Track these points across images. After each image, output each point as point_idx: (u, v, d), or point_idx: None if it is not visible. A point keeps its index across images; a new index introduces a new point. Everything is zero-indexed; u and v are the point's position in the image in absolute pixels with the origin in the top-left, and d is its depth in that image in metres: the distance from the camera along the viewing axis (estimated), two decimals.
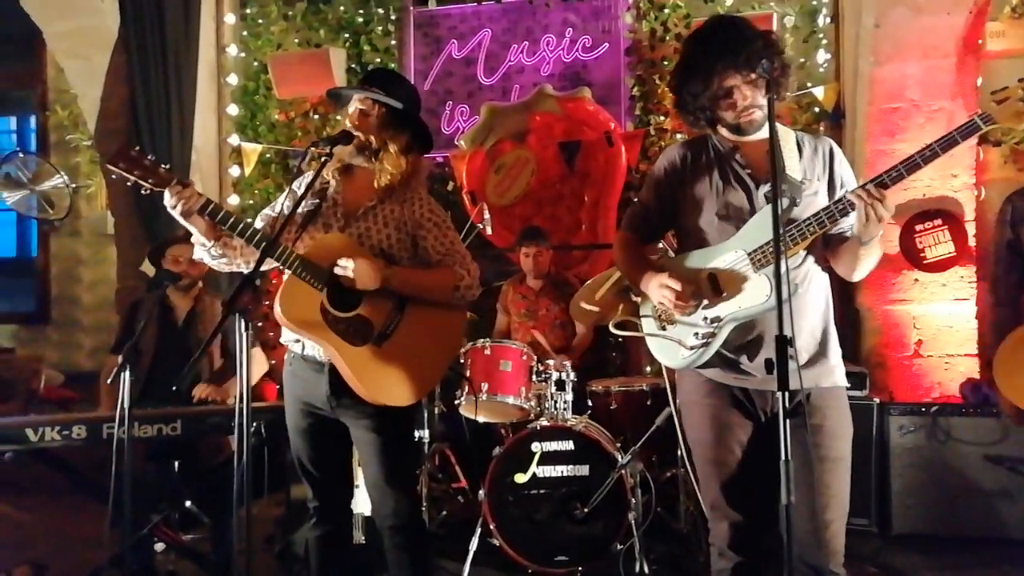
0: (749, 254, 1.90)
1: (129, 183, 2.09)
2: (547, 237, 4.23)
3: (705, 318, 1.96)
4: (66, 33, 4.96)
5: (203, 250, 2.23)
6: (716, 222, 1.97)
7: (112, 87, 4.87)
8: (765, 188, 1.93)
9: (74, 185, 5.50)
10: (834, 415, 1.95)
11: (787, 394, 1.57)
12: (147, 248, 4.69)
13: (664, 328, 2.05)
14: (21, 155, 5.52)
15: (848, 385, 2.02)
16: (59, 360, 5.57)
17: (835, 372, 1.99)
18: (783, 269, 1.63)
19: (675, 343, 2.01)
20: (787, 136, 1.99)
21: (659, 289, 1.97)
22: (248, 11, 5.43)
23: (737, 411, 1.98)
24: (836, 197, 1.94)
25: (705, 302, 1.96)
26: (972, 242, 4.08)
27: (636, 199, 2.30)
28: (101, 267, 5.66)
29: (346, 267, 2.11)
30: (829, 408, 1.95)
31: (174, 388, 2.78)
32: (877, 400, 3.71)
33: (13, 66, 6.12)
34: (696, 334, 1.97)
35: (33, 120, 6.07)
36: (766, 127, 1.91)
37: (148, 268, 4.27)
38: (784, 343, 1.59)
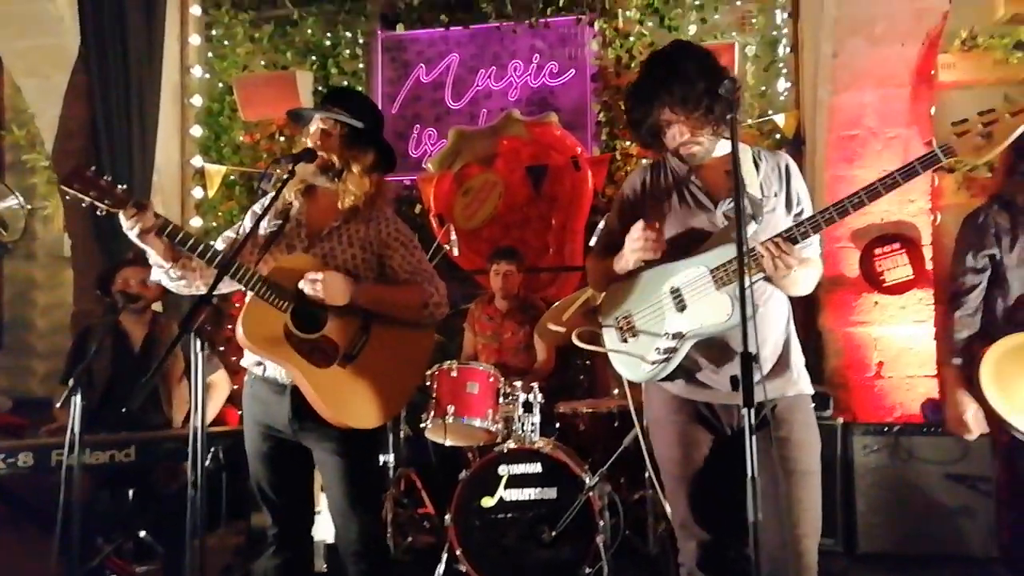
0: (711, 271, 1.92)
1: (84, 204, 2.03)
2: (521, 258, 4.23)
3: (667, 333, 1.97)
4: (24, 51, 4.86)
5: (161, 272, 2.17)
6: (677, 243, 1.99)
7: (71, 106, 4.78)
8: (724, 206, 1.97)
9: (29, 207, 5.36)
10: (800, 428, 1.95)
11: (752, 410, 1.56)
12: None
13: (626, 341, 2.06)
14: None
15: (812, 392, 2.03)
16: (10, 386, 5.37)
17: (800, 381, 2.00)
18: (747, 285, 1.63)
19: (637, 358, 2.02)
20: (744, 153, 2.01)
21: (632, 242, 1.95)
22: (214, 32, 5.39)
23: (703, 427, 1.99)
24: (792, 212, 2.00)
25: (667, 317, 1.97)
26: (929, 265, 4.17)
27: (604, 223, 2.32)
28: (57, 291, 5.50)
29: (315, 279, 2.07)
30: (796, 420, 1.95)
31: (123, 410, 2.69)
32: (841, 420, 3.75)
33: None
34: (658, 348, 1.98)
35: None
36: (719, 147, 2.01)
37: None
38: (749, 359, 1.59)
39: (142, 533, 3.15)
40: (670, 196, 2.04)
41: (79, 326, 4.86)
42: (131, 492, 3.16)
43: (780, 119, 4.53)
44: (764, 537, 1.55)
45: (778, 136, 4.64)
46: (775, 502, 1.83)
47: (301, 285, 2.09)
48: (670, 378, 2.00)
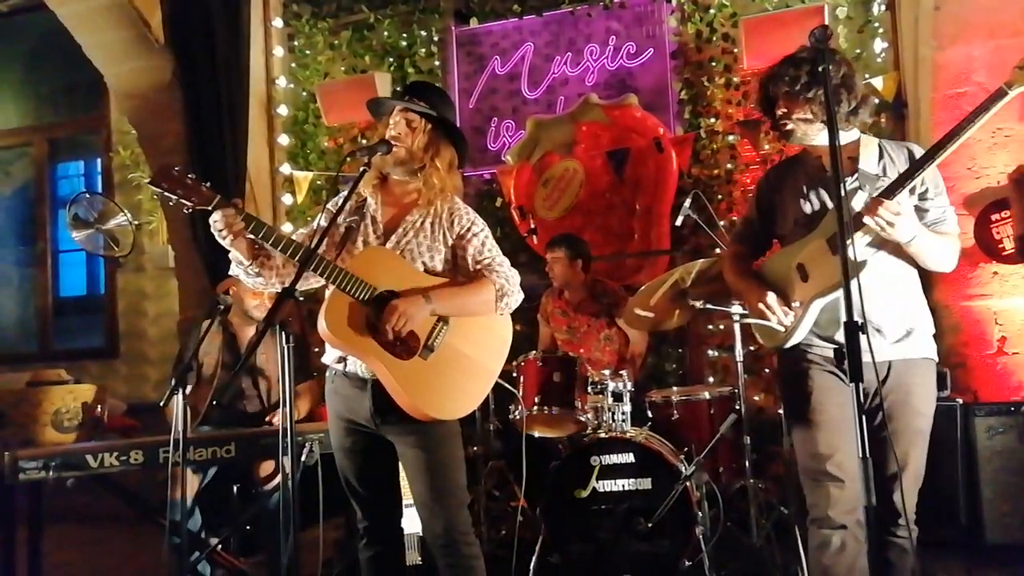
0: (828, 240, 2.07)
1: (172, 203, 2.09)
2: (576, 246, 4.01)
3: (795, 302, 2.15)
4: (125, 74, 5.15)
5: (240, 269, 2.21)
6: (803, 223, 2.17)
7: (168, 124, 5.03)
8: (845, 184, 2.06)
9: (137, 222, 5.68)
10: (920, 390, 2.10)
11: (859, 385, 1.58)
12: (206, 280, 4.83)
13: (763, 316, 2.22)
14: (88, 196, 5.73)
15: (936, 359, 2.17)
16: (128, 393, 5.71)
17: (920, 344, 2.13)
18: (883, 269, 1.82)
19: (772, 327, 2.19)
20: (869, 142, 2.19)
21: (758, 308, 2.19)
22: (296, 43, 5.55)
23: (837, 379, 2.10)
24: (917, 193, 2.11)
25: (796, 288, 2.15)
26: None
27: (747, 214, 2.50)
28: (164, 300, 5.81)
29: (396, 322, 2.05)
30: (915, 383, 2.09)
31: (214, 403, 2.78)
32: (960, 401, 3.47)
33: (80, 113, 6.44)
34: (789, 316, 2.14)
35: (99, 162, 6.32)
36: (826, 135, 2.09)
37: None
38: (855, 332, 1.60)
39: (247, 527, 3.26)
40: (796, 180, 2.21)
41: (186, 333, 5.12)
42: (235, 488, 3.28)
43: (878, 82, 4.23)
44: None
45: (877, 101, 4.33)
46: (884, 462, 1.98)
47: (385, 322, 2.06)
48: (804, 341, 2.15)
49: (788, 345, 2.18)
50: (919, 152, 2.13)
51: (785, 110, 2.14)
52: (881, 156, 2.15)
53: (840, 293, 1.93)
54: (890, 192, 1.96)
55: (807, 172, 2.21)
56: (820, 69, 1.75)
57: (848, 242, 1.69)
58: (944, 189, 2.16)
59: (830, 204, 2.11)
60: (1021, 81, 1.95)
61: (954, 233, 2.14)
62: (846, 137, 2.13)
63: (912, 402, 2.09)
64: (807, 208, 2.17)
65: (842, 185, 1.72)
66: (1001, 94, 1.93)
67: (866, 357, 1.81)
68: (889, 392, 2.06)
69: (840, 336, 1.96)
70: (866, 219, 1.95)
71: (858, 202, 2.04)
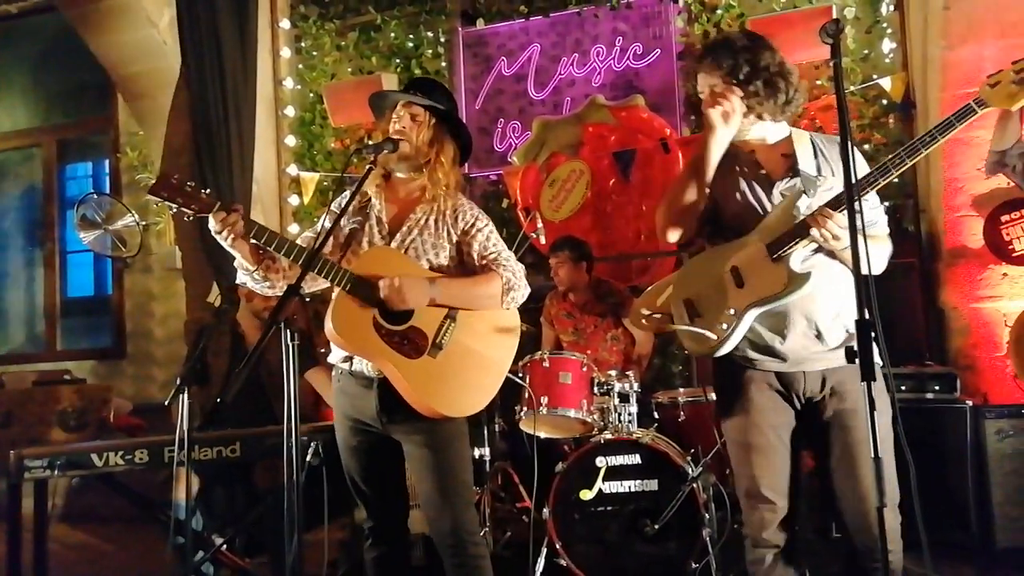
0: (767, 246, 1.98)
1: (172, 211, 2.09)
2: (578, 249, 3.99)
3: (729, 308, 2.03)
4: (133, 76, 5.17)
5: (246, 275, 2.21)
6: (737, 218, 2.06)
7: (175, 125, 5.03)
8: (781, 186, 2.03)
9: (144, 223, 5.68)
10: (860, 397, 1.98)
11: (868, 384, 1.55)
12: (213, 281, 4.84)
13: (692, 320, 2.13)
14: (95, 196, 5.74)
15: (881, 363, 1.98)
16: (134, 393, 5.73)
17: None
18: (864, 269, 1.61)
19: (703, 334, 2.08)
20: (801, 137, 2.08)
21: (710, 109, 1.98)
22: (303, 44, 5.56)
23: (771, 394, 2.04)
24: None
25: (729, 294, 2.04)
26: None
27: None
28: (171, 301, 5.83)
29: (392, 284, 2.05)
30: (854, 390, 1.97)
31: (219, 400, 2.78)
32: (970, 403, 3.43)
33: (88, 114, 6.46)
34: (722, 324, 2.03)
35: (107, 163, 6.34)
36: (775, 131, 2.08)
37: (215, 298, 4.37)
38: (866, 329, 1.57)
39: (251, 528, 3.25)
40: (732, 174, 2.08)
41: (192, 334, 5.12)
42: (240, 487, 3.27)
43: (886, 83, 4.22)
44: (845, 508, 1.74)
45: (885, 102, 4.34)
46: (849, 473, 1.94)
47: (381, 290, 2.06)
48: (737, 350, 2.04)
49: (720, 354, 2.05)
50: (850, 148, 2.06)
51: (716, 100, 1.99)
52: (816, 154, 2.05)
53: (778, 303, 1.94)
54: (838, 203, 1.86)
55: (740, 167, 2.08)
56: (832, 64, 1.69)
57: (859, 237, 1.62)
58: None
59: (768, 204, 2.02)
60: (992, 100, 1.86)
61: (884, 235, 2.08)
62: (778, 132, 2.08)
63: (860, 410, 1.95)
64: (744, 202, 2.05)
65: (845, 176, 1.66)
66: (968, 111, 1.85)
67: (817, 365, 1.93)
68: (839, 401, 1.97)
69: (782, 348, 1.98)
70: (813, 231, 1.87)
71: (801, 206, 1.94)
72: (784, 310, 1.98)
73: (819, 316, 1.96)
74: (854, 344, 1.69)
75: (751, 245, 2.01)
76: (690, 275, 2.20)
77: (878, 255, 2.01)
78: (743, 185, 2.06)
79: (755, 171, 2.07)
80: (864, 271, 1.59)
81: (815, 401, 2.02)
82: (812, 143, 2.07)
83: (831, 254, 1.98)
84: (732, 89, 1.98)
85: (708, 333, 2.05)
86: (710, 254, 2.14)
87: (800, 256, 1.94)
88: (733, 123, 1.99)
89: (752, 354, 2.04)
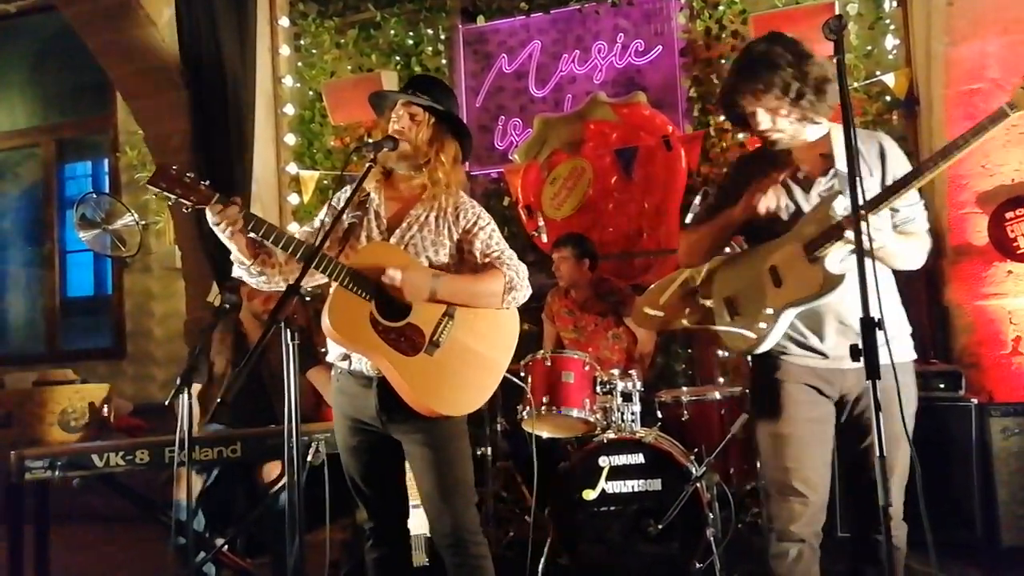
0: (805, 246, 1.99)
1: (170, 202, 2.06)
2: (582, 245, 3.98)
3: (767, 308, 2.07)
4: (132, 74, 5.14)
5: (242, 269, 2.19)
6: (776, 222, 2.07)
7: (174, 124, 5.02)
8: (820, 187, 2.04)
9: (143, 222, 5.67)
10: (903, 392, 2.00)
11: (874, 381, 1.58)
12: (213, 280, 4.82)
13: (732, 319, 2.18)
14: (95, 196, 5.73)
15: (915, 357, 2.11)
16: (134, 393, 5.71)
17: (900, 346, 2.05)
18: (868, 269, 1.63)
19: (742, 332, 2.13)
20: (839, 134, 2.04)
21: (756, 202, 2.03)
22: (302, 42, 5.53)
23: (808, 389, 2.07)
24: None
25: (767, 294, 2.07)
26: None
27: (700, 199, 2.45)
28: (171, 301, 5.80)
29: (394, 278, 2.04)
30: (902, 384, 1.96)
31: (219, 400, 2.76)
32: (975, 401, 3.41)
33: (88, 113, 6.44)
34: (760, 323, 2.08)
35: (106, 163, 6.33)
36: (811, 131, 2.08)
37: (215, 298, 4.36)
38: (871, 327, 1.58)
39: (253, 528, 3.24)
40: (771, 174, 2.08)
41: (192, 334, 5.11)
42: (241, 488, 3.26)
43: (889, 79, 4.20)
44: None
45: (888, 98, 4.31)
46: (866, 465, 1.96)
47: (383, 279, 2.05)
48: (778, 346, 2.08)
49: (758, 352, 2.11)
50: (887, 141, 2.07)
51: (770, 120, 2.03)
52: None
53: (814, 304, 1.99)
54: (873, 206, 1.88)
55: (778, 167, 2.10)
56: (836, 60, 1.70)
57: (863, 233, 1.65)
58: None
59: (805, 205, 2.05)
60: (1022, 103, 1.86)
61: (923, 231, 2.09)
62: (817, 130, 2.08)
63: (896, 405, 2.04)
64: (779, 206, 2.06)
65: (856, 186, 1.68)
66: (1001, 115, 1.85)
67: (853, 363, 1.76)
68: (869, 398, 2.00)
69: (822, 346, 2.03)
70: (848, 233, 1.86)
71: (838, 207, 1.94)
72: (819, 309, 2.02)
73: (848, 315, 1.97)
74: (893, 339, 1.74)
75: (789, 245, 2.04)
76: (731, 273, 2.22)
77: (916, 253, 2.05)
78: (780, 187, 2.07)
79: (792, 172, 2.08)
80: (867, 267, 1.60)
81: (849, 398, 2.05)
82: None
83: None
84: (778, 186, 2.03)
85: (747, 333, 2.10)
86: (750, 253, 2.18)
87: (837, 256, 1.95)
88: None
89: (793, 349, 2.08)
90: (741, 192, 2.11)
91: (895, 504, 2.04)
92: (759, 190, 2.03)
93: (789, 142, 2.08)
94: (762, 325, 2.06)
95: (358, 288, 2.06)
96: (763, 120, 2.04)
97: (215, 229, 2.06)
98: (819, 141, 2.08)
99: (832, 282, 1.93)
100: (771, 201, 2.02)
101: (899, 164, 2.04)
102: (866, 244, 1.82)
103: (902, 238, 2.01)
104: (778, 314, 2.03)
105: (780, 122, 2.03)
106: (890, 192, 1.90)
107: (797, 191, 2.07)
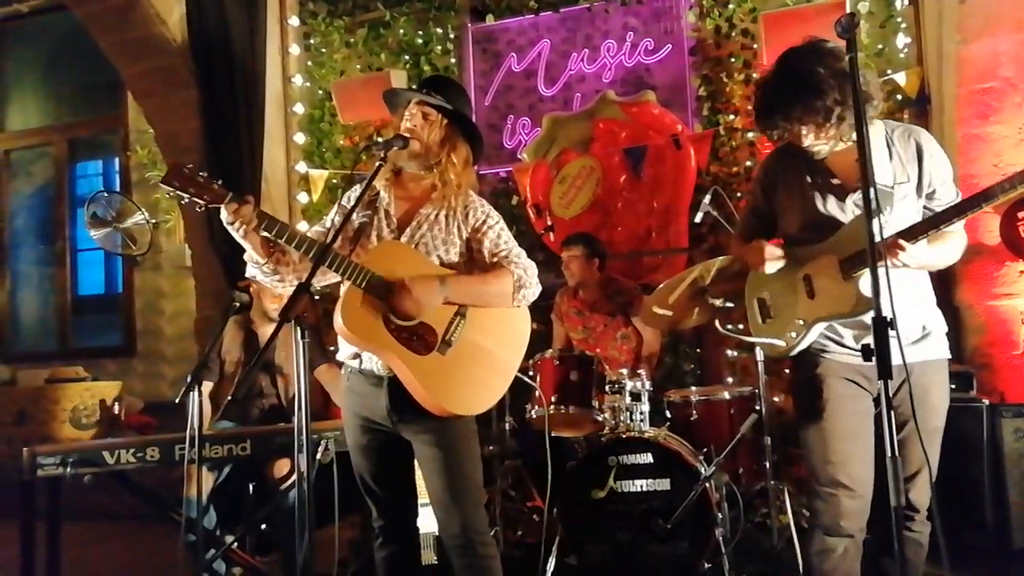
0: (840, 262, 2.00)
1: (184, 201, 2.06)
2: (592, 244, 3.97)
3: (798, 318, 2.10)
4: (143, 74, 5.17)
5: (255, 268, 2.19)
6: (809, 229, 2.09)
7: (184, 123, 5.04)
8: (855, 196, 2.03)
9: (154, 221, 5.70)
10: (937, 390, 2.08)
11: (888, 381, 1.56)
12: (223, 279, 4.84)
13: (765, 322, 2.23)
14: (106, 195, 5.76)
15: (949, 356, 2.13)
16: (145, 391, 5.74)
17: (936, 345, 2.11)
18: (881, 273, 1.61)
19: (774, 337, 2.18)
20: (876, 134, 2.04)
21: (763, 262, 2.14)
22: (312, 41, 5.54)
23: (849, 385, 2.08)
24: (923, 195, 2.05)
25: (800, 303, 2.11)
26: None
27: (747, 207, 2.42)
28: (181, 299, 5.84)
29: (404, 292, 2.04)
30: (933, 383, 2.06)
31: (229, 398, 2.77)
32: (987, 402, 3.39)
33: (99, 112, 6.49)
34: (791, 331, 2.12)
35: (117, 161, 6.36)
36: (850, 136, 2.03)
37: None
38: (884, 328, 1.55)
39: (263, 526, 3.25)
40: (803, 180, 2.11)
41: (202, 332, 5.13)
42: (251, 485, 3.27)
43: (901, 78, 4.17)
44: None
45: (900, 97, 4.28)
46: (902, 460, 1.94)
47: (397, 299, 2.05)
48: (817, 343, 2.11)
49: (793, 354, 2.14)
50: (926, 140, 2.05)
51: (813, 139, 2.03)
52: (891, 156, 2.04)
53: (845, 321, 2.02)
54: (911, 235, 1.89)
55: (811, 171, 2.11)
56: (848, 58, 1.69)
57: (874, 217, 1.64)
58: (953, 185, 2.07)
59: (841, 216, 2.04)
60: None
61: (959, 227, 2.06)
62: (853, 136, 2.06)
63: (930, 402, 2.06)
64: (816, 213, 2.08)
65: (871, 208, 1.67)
66: None
67: (896, 360, 1.78)
68: (904, 393, 1.97)
69: (860, 345, 1.99)
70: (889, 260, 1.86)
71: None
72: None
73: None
74: (929, 337, 1.79)
75: (825, 257, 2.04)
76: (764, 275, 2.21)
77: (950, 254, 2.07)
78: (814, 197, 2.08)
79: (827, 180, 2.08)
80: (880, 271, 1.59)
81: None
82: (886, 141, 2.05)
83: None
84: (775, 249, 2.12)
85: (778, 342, 2.15)
86: (786, 256, 2.17)
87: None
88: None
89: (832, 347, 2.10)
90: (780, 200, 2.16)
91: (923, 501, 2.06)
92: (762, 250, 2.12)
93: (827, 153, 2.07)
94: (792, 334, 2.11)
95: (376, 291, 2.06)
96: (804, 140, 2.03)
97: (229, 228, 2.06)
98: (854, 146, 2.02)
99: (864, 304, 1.93)
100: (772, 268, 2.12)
101: (938, 165, 2.02)
102: (893, 263, 1.86)
103: (938, 242, 1.99)
104: (809, 326, 2.08)
105: (819, 141, 2.02)
106: (933, 224, 1.90)
107: (831, 200, 2.06)
